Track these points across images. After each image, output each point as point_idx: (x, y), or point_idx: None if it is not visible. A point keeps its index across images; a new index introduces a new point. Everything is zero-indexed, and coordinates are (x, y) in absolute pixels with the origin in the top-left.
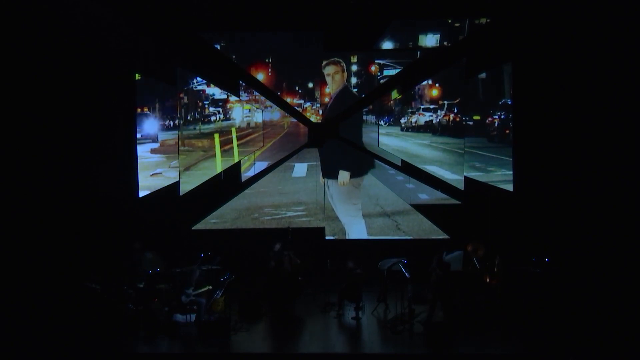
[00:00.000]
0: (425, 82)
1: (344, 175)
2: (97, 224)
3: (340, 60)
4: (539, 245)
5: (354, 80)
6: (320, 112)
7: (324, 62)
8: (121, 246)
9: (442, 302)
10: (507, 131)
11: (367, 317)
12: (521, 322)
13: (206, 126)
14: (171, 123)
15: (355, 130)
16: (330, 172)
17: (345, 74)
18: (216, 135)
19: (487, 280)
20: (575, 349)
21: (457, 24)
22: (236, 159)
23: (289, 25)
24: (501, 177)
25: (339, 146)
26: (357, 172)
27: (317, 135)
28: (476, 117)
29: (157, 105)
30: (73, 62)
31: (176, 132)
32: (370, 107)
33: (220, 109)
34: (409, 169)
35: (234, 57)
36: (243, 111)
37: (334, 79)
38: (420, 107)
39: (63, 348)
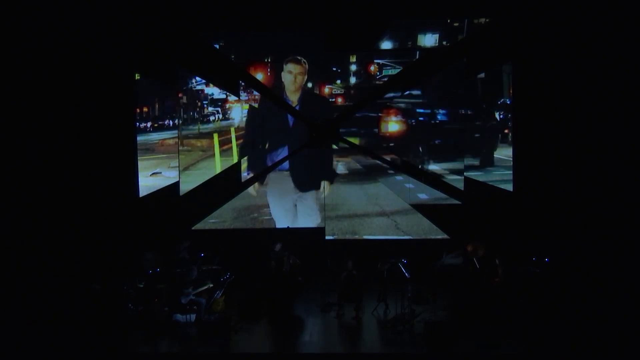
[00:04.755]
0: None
1: (327, 185)
2: (97, 223)
3: (306, 62)
4: (539, 245)
5: (352, 80)
6: None
7: (289, 58)
8: (121, 246)
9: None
10: (506, 131)
11: (367, 317)
12: (521, 322)
13: (205, 126)
14: (170, 122)
15: None
16: (308, 184)
17: (306, 77)
18: (215, 135)
19: (487, 280)
20: (575, 348)
21: (456, 24)
22: (235, 159)
23: (289, 25)
24: (499, 177)
25: (320, 156)
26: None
27: (317, 135)
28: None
29: (156, 105)
30: (73, 61)
31: (175, 131)
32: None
33: (219, 109)
34: (408, 169)
35: (233, 57)
36: (242, 111)
37: (296, 80)
38: None
39: (63, 348)
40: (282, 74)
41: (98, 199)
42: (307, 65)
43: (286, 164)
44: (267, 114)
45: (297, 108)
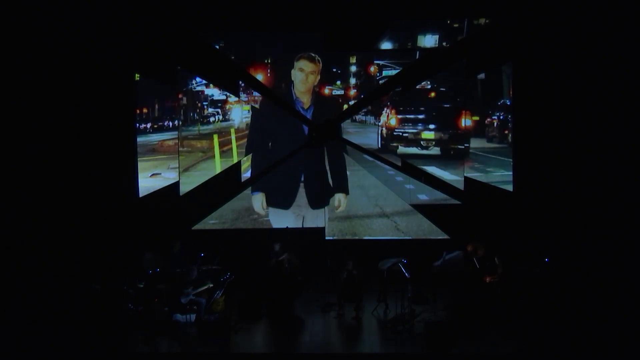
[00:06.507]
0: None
1: (343, 199)
2: (97, 223)
3: (320, 60)
4: (539, 245)
5: (352, 80)
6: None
7: (300, 54)
8: (121, 246)
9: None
10: (506, 131)
11: (367, 317)
12: (521, 322)
13: (205, 127)
14: (170, 124)
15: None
16: (320, 201)
17: (319, 77)
18: (215, 136)
19: (487, 280)
20: (575, 348)
21: (456, 25)
22: (235, 160)
23: (289, 25)
24: (500, 178)
25: (332, 166)
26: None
27: (318, 135)
28: (475, 118)
29: (156, 106)
30: (73, 61)
31: (175, 132)
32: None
33: (219, 110)
34: (408, 169)
35: (233, 57)
36: (242, 112)
37: (307, 79)
38: None
39: (63, 348)
40: (292, 71)
41: (98, 200)
42: (321, 65)
43: (301, 177)
44: (279, 120)
45: (311, 110)
